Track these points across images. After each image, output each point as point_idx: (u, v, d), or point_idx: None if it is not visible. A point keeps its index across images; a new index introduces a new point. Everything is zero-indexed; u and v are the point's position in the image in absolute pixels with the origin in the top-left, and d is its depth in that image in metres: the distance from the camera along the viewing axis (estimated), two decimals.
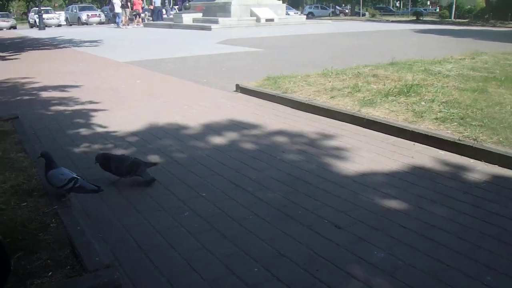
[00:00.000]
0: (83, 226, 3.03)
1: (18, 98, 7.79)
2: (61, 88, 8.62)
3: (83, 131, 5.65)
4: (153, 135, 5.38)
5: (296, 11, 46.62)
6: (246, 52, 13.95)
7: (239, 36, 20.46)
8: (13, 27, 39.42)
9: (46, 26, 34.25)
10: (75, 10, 41.39)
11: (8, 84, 9.25)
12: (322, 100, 6.34)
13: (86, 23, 39.36)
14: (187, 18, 29.45)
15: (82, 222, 3.11)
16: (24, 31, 32.25)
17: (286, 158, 4.47)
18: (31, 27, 39.34)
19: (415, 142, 4.81)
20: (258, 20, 28.44)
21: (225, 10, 28.12)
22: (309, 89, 6.98)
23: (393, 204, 3.43)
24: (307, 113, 6.19)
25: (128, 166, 3.82)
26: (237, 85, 7.90)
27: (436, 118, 5.13)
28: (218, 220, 3.23)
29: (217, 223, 3.19)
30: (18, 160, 4.29)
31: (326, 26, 27.55)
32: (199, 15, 29.72)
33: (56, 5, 68.56)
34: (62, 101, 7.41)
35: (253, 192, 3.68)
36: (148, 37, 21.32)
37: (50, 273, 2.54)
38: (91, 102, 7.28)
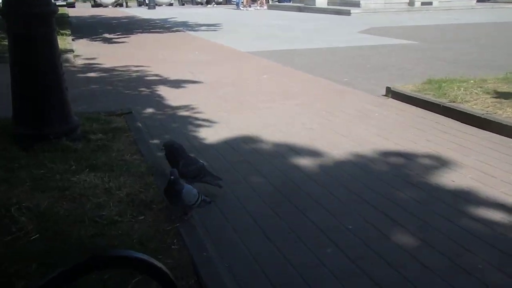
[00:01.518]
0: (209, 250, 3.17)
1: (132, 90, 8.55)
2: (178, 81, 9.26)
3: (202, 134, 5.98)
4: (286, 145, 5.48)
5: None
6: (397, 45, 13.63)
7: (386, 23, 20.12)
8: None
9: (157, 4, 36.95)
10: None
11: (118, 72, 10.23)
12: (506, 115, 5.90)
13: (201, 3, 42.00)
14: (321, 0, 29.78)
15: (208, 246, 3.25)
16: (132, 10, 35.45)
17: (456, 189, 4.23)
18: (139, 5, 42.61)
19: None
20: (411, 3, 27.69)
21: None
22: (486, 99, 6.57)
23: None
24: (484, 131, 5.81)
25: (197, 169, 4.11)
26: (387, 88, 7.73)
27: None
28: (369, 264, 3.15)
29: (368, 268, 3.11)
30: (134, 163, 4.66)
31: (509, 12, 25.64)
32: None
33: None
34: (179, 97, 7.96)
35: (415, 233, 3.53)
36: (274, 22, 22.01)
37: None
38: (211, 101, 7.70)
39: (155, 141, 5.75)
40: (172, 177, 3.52)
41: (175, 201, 3.58)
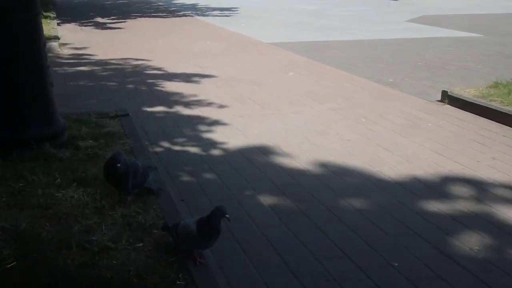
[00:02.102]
0: None
1: (128, 86, 8.65)
2: (184, 76, 9.34)
3: (213, 142, 6.01)
4: (317, 161, 5.48)
5: None
6: (455, 39, 13.56)
7: (441, 10, 20.04)
8: None
9: None
10: None
11: (115, 66, 10.35)
12: None
13: None
14: None
15: (221, 285, 3.26)
16: None
17: None
18: None
19: None
20: None
21: None
22: None
23: None
24: None
25: (144, 174, 4.31)
26: (443, 92, 7.69)
27: None
28: None
29: None
30: None
31: None
32: None
33: None
34: (185, 96, 8.01)
35: (478, 274, 3.50)
36: (301, 7, 22.06)
37: None
38: (225, 101, 7.74)
39: (157, 149, 5.80)
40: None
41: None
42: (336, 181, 5.03)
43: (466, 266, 3.62)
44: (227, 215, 3.42)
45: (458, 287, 3.40)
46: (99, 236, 3.67)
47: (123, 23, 16.70)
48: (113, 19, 17.76)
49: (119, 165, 4.06)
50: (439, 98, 7.73)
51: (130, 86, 8.67)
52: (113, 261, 3.41)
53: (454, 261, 3.69)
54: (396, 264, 3.63)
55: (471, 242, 3.93)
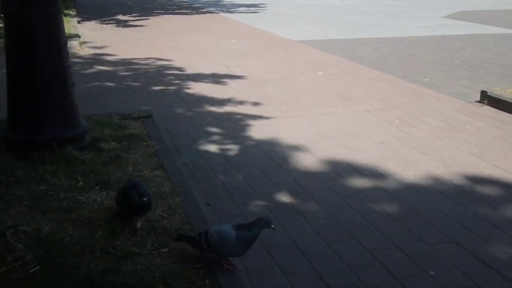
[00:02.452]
0: None
1: (152, 87, 8.75)
2: (210, 76, 9.44)
3: (240, 145, 6.07)
4: (348, 164, 5.51)
5: None
6: (495, 36, 13.46)
7: (479, 5, 19.84)
8: None
9: None
10: None
11: (138, 65, 10.48)
12: None
13: None
14: None
15: None
16: None
17: None
18: None
19: None
20: None
21: None
22: None
23: None
24: None
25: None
26: (483, 93, 7.65)
27: None
28: None
29: None
30: (155, 181, 4.78)
31: None
32: None
33: None
34: (210, 97, 8.09)
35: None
36: (334, 2, 22.03)
37: None
38: (252, 102, 7.81)
39: (181, 152, 5.86)
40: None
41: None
42: (369, 186, 5.04)
43: (506, 275, 3.62)
44: (272, 225, 3.47)
45: None
46: (123, 241, 3.74)
47: (145, 21, 16.87)
48: (135, 16, 17.96)
49: (145, 198, 3.78)
50: (478, 99, 7.69)
51: (154, 86, 8.76)
52: (138, 267, 3.48)
53: (493, 269, 3.68)
54: (432, 273, 3.64)
55: (511, 248, 3.93)
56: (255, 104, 7.70)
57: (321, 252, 3.93)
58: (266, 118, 7.06)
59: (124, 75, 9.57)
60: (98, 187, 4.51)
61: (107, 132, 5.85)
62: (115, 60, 10.88)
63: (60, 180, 4.59)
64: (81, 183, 4.57)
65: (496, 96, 7.46)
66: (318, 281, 3.58)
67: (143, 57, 11.09)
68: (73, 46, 11.44)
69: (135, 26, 15.85)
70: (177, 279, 3.37)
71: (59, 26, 5.23)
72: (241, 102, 7.77)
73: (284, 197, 4.80)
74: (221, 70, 9.84)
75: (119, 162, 5.09)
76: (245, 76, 9.38)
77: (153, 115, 6.83)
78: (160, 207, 4.25)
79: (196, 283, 3.35)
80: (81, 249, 3.61)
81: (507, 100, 7.27)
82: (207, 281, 3.36)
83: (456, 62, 10.48)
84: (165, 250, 3.70)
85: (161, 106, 7.58)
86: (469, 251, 3.92)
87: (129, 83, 9.01)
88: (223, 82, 9.04)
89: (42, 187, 4.48)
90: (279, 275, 3.64)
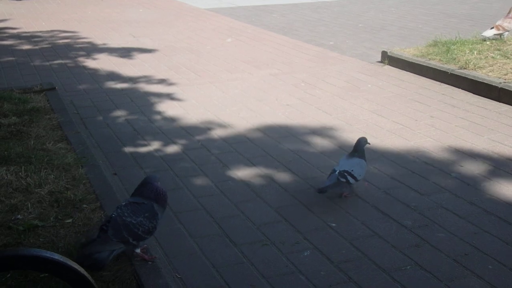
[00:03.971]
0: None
1: (56, 61, 8.50)
2: (117, 47, 9.26)
3: (148, 115, 6.00)
4: (256, 128, 5.55)
5: None
6: None
7: None
8: None
9: None
10: None
11: (41, 38, 10.14)
12: None
13: None
14: None
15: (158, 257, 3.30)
16: None
17: (463, 176, 4.38)
18: None
19: None
20: None
21: None
22: (505, 64, 6.74)
23: None
24: (501, 104, 5.99)
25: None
26: (383, 53, 7.86)
27: None
28: (355, 269, 3.24)
29: (353, 273, 3.20)
30: (58, 153, 4.69)
31: None
32: None
33: None
34: (118, 68, 7.95)
35: (412, 229, 3.64)
36: None
37: None
38: (161, 71, 7.73)
39: (87, 124, 5.74)
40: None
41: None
42: (276, 147, 5.10)
43: (402, 223, 3.75)
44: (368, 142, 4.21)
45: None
46: (25, 214, 3.67)
47: None
48: None
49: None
50: (379, 59, 7.90)
51: (58, 60, 8.51)
52: (40, 239, 3.43)
53: (390, 217, 3.82)
54: (334, 225, 3.74)
55: (406, 195, 4.08)
56: (164, 73, 7.62)
57: (228, 213, 3.97)
58: (175, 86, 7.01)
59: (26, 49, 9.24)
60: None
61: (7, 106, 5.67)
62: (16, 33, 10.49)
63: None
64: None
65: (395, 56, 7.67)
66: (226, 240, 3.63)
67: (46, 29, 10.74)
68: None
69: None
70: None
71: None
72: (149, 72, 7.67)
73: (192, 163, 4.80)
74: (129, 41, 9.67)
75: (20, 137, 4.95)
76: (153, 46, 9.26)
77: (57, 88, 6.66)
78: (64, 178, 4.20)
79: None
80: None
81: (405, 59, 7.49)
82: None
83: (360, 25, 10.69)
84: (69, 221, 3.66)
85: (66, 79, 7.38)
86: (368, 202, 4.06)
87: (32, 57, 8.70)
88: (130, 52, 8.88)
89: None
90: (186, 239, 3.66)
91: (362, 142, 4.20)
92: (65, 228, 3.57)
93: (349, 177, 4.01)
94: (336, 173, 4.02)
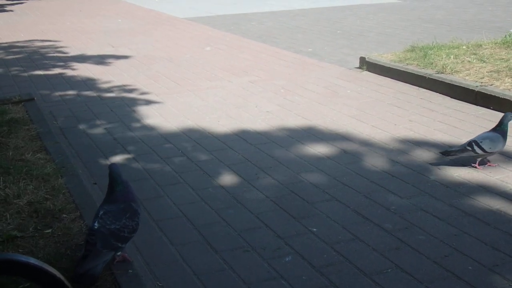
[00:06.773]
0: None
1: (34, 71, 8.43)
2: (95, 57, 9.22)
3: (128, 124, 5.97)
4: (236, 135, 5.54)
5: None
6: (375, 5, 13.90)
7: None
8: None
9: None
10: None
11: (19, 49, 10.06)
12: (504, 87, 6.14)
13: None
14: None
15: (137, 265, 3.27)
16: None
17: (442, 178, 4.40)
18: None
19: None
20: None
21: None
22: (481, 68, 6.82)
23: None
24: (478, 108, 6.06)
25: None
26: (362, 59, 7.91)
27: None
28: (337, 273, 3.25)
29: (334, 277, 3.21)
30: (38, 163, 4.65)
31: None
32: None
33: None
34: (97, 78, 7.91)
35: (393, 232, 3.65)
36: None
37: None
38: (140, 80, 7.69)
39: (67, 134, 5.70)
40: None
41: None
42: (256, 153, 5.09)
43: (383, 226, 3.77)
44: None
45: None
46: (3, 225, 3.62)
47: (24, 4, 16.32)
48: (12, 0, 17.28)
49: None
50: (358, 65, 7.94)
51: (36, 70, 8.45)
52: (19, 250, 3.37)
53: (371, 222, 3.83)
54: (315, 229, 3.73)
55: (385, 200, 4.10)
56: (143, 82, 7.59)
57: (209, 220, 3.95)
58: (154, 95, 6.98)
59: (4, 59, 9.16)
60: None
61: None
62: None
63: None
64: None
65: (373, 62, 7.72)
66: (207, 247, 3.60)
67: (24, 40, 10.67)
68: None
69: (14, 10, 15.21)
70: (61, 259, 3.31)
71: None
72: (128, 81, 7.64)
73: (172, 171, 4.77)
74: (107, 50, 9.63)
75: None
76: (132, 55, 9.23)
77: (35, 98, 6.61)
78: (43, 188, 4.15)
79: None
80: None
81: (383, 64, 7.54)
82: None
83: (338, 31, 10.75)
84: (49, 231, 3.62)
85: (44, 89, 7.32)
86: (349, 207, 4.06)
87: (10, 67, 8.63)
88: (109, 62, 8.85)
89: None
90: (167, 246, 3.63)
91: (506, 117, 4.51)
92: (44, 239, 3.53)
93: (475, 147, 4.35)
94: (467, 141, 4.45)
